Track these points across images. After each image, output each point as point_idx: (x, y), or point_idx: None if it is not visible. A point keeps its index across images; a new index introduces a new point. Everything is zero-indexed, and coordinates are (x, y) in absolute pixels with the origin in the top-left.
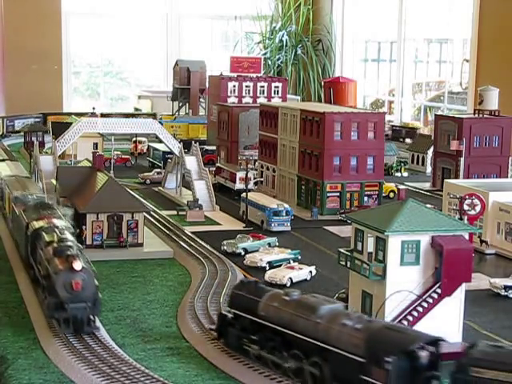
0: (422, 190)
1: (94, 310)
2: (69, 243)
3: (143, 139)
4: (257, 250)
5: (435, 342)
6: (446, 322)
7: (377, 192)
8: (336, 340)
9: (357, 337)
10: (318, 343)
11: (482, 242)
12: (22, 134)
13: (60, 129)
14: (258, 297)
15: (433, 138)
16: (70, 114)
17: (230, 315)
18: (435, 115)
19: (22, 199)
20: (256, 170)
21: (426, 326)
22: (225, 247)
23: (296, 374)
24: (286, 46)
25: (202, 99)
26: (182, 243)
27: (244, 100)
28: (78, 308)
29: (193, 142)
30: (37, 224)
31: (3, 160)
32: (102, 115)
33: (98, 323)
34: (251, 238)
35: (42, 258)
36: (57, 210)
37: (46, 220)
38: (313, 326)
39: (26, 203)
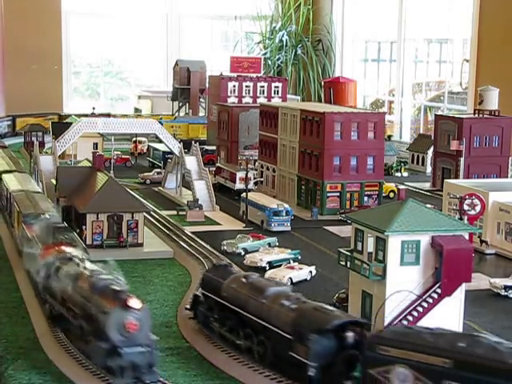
0: (422, 189)
1: (153, 355)
2: (107, 276)
3: (143, 139)
4: (257, 250)
5: (360, 324)
6: (446, 322)
7: (377, 192)
8: (275, 319)
9: (289, 316)
10: (262, 322)
11: (482, 241)
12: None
13: (60, 129)
14: (223, 279)
15: (433, 137)
16: (39, 116)
17: (201, 295)
18: (435, 115)
19: (33, 220)
20: (256, 169)
21: (426, 325)
22: (225, 247)
23: (247, 351)
24: (286, 45)
25: (201, 99)
26: (182, 243)
27: (244, 100)
28: (136, 353)
29: (193, 142)
30: (54, 253)
31: (11, 171)
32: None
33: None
34: (251, 238)
35: (73, 295)
36: (74, 235)
37: (65, 248)
38: (259, 307)
39: (38, 225)
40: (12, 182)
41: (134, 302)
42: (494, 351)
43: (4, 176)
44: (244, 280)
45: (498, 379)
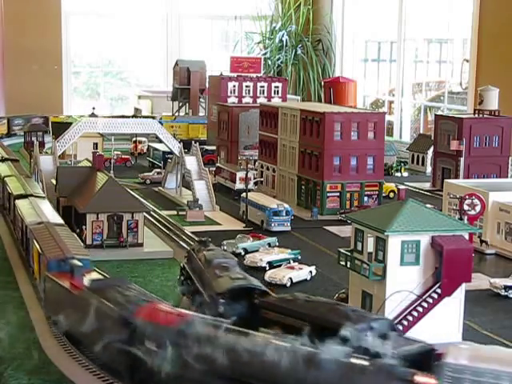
0: (422, 189)
1: None
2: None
3: (143, 139)
4: (257, 250)
5: (262, 291)
6: (446, 322)
7: (377, 192)
8: (206, 287)
9: (211, 283)
10: (201, 290)
11: (482, 241)
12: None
13: (60, 129)
14: (198, 252)
15: (433, 137)
16: None
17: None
18: (435, 115)
19: (64, 266)
20: (256, 169)
21: (426, 325)
22: (225, 247)
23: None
24: (286, 45)
25: (201, 99)
26: (182, 243)
27: (244, 100)
28: None
29: (193, 142)
30: (174, 318)
31: (26, 196)
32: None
33: None
34: (251, 238)
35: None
36: (139, 287)
37: (170, 308)
38: (203, 276)
39: (77, 274)
40: (28, 211)
41: (426, 380)
42: (346, 317)
43: (18, 203)
44: (205, 253)
45: (343, 340)
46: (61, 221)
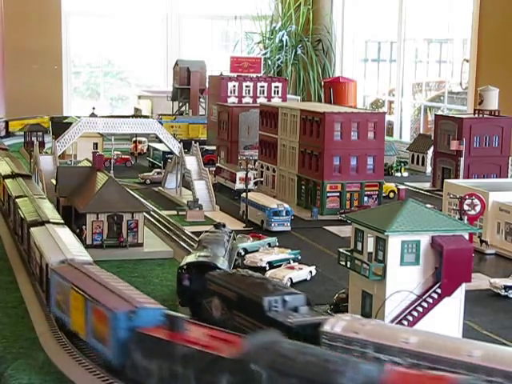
0: (422, 190)
1: None
2: None
3: (143, 139)
4: (257, 250)
5: (213, 266)
6: (446, 322)
7: (377, 192)
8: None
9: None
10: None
11: (482, 241)
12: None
13: (60, 129)
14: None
15: (433, 137)
16: None
17: None
18: (435, 115)
19: (137, 319)
20: (256, 169)
21: (426, 325)
22: None
23: None
24: (286, 45)
25: (201, 99)
26: (181, 243)
27: (244, 100)
28: None
29: (193, 142)
30: None
31: (42, 223)
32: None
33: None
34: (251, 238)
35: None
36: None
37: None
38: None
39: (180, 328)
40: (48, 245)
41: None
42: (264, 290)
43: (34, 232)
44: (203, 234)
45: (256, 309)
46: (89, 258)
